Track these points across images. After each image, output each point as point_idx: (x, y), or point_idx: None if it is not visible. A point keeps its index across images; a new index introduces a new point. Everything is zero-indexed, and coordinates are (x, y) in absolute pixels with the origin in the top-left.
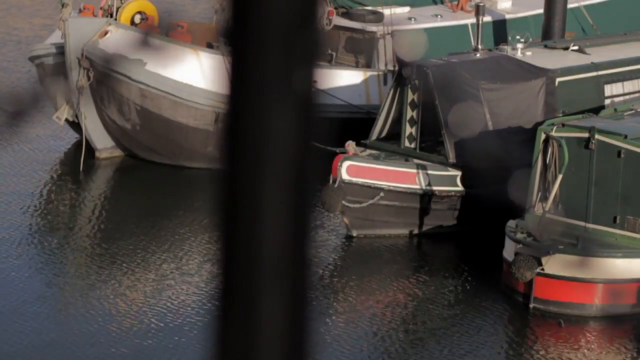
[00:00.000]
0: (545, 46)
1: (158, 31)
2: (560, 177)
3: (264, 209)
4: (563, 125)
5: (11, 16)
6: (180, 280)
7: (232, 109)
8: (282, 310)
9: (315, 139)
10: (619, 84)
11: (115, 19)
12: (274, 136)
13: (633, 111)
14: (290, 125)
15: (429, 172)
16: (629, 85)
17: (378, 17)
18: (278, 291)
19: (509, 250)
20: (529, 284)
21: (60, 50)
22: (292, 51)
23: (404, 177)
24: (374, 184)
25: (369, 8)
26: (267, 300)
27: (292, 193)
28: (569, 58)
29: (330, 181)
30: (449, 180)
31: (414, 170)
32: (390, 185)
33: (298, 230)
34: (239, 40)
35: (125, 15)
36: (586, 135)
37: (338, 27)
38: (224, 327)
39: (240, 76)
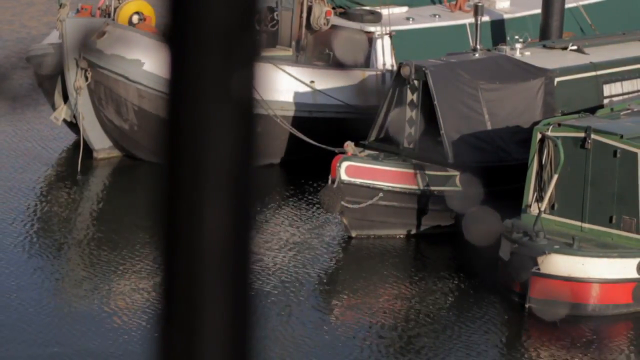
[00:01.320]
0: (544, 46)
1: (156, 32)
2: (556, 177)
3: (203, 211)
4: (559, 125)
5: (21, 14)
6: None
7: (171, 111)
8: (224, 309)
9: (255, 139)
10: (618, 84)
11: (113, 20)
12: (213, 138)
13: (629, 111)
14: (230, 127)
15: (428, 172)
16: (628, 85)
17: (376, 17)
18: (220, 290)
19: (505, 250)
20: (525, 283)
21: (58, 50)
22: (232, 54)
23: (403, 177)
24: (373, 184)
25: (367, 8)
26: (209, 298)
27: (232, 194)
28: (568, 58)
29: (329, 182)
30: (447, 181)
31: (413, 171)
32: (389, 186)
33: (239, 231)
34: (178, 41)
35: (123, 15)
36: (582, 135)
37: (336, 27)
38: (166, 325)
39: (180, 78)
